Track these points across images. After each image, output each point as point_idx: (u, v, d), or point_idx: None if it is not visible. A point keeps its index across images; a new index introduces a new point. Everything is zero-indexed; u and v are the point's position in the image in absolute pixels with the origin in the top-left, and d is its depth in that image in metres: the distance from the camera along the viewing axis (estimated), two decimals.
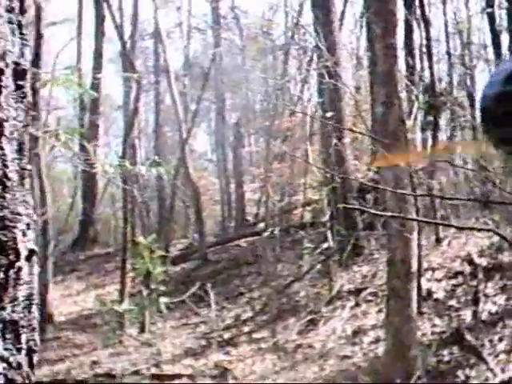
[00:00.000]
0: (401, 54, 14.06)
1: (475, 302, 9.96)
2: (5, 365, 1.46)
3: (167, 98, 25.19)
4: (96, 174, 19.31)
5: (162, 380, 10.96)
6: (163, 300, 12.86)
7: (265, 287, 13.95)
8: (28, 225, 1.53)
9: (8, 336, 1.47)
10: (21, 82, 1.55)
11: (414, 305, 8.73)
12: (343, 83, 13.05)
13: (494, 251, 10.98)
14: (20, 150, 1.54)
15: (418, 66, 16.07)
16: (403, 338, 8.56)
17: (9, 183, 1.46)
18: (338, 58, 13.84)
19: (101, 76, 22.46)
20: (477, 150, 13.14)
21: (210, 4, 25.97)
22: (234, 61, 29.60)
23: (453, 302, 10.31)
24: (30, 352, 1.54)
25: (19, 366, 1.49)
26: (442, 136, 16.49)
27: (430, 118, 14.78)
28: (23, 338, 1.52)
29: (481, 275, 10.52)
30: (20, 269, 1.49)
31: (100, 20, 23.66)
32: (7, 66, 1.48)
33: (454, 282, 10.89)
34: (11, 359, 1.47)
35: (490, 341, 8.79)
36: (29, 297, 1.53)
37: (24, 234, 1.50)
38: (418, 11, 15.30)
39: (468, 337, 9.07)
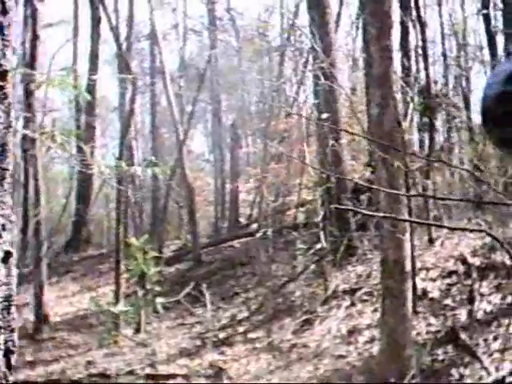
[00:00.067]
0: (396, 55, 14.09)
1: (470, 301, 9.97)
2: None
3: (163, 99, 25.22)
4: (92, 175, 19.32)
5: (157, 380, 10.95)
6: (159, 300, 12.87)
7: (260, 287, 13.97)
8: (3, 226, 1.50)
9: None
10: (1, 83, 1.53)
11: (409, 304, 8.73)
12: (339, 85, 13.07)
13: (487, 251, 10.99)
14: (2, 151, 1.51)
15: (414, 68, 16.11)
16: (398, 337, 8.56)
17: None
18: (334, 59, 13.86)
19: (96, 77, 22.47)
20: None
21: (206, 6, 26.02)
22: (230, 62, 29.68)
23: (448, 302, 10.32)
24: (8, 353, 1.53)
25: None
26: (439, 137, 16.54)
27: (426, 120, 14.81)
28: (1, 338, 1.51)
29: (475, 275, 10.53)
30: None
31: (96, 22, 23.68)
32: None
33: (448, 281, 10.89)
34: None
35: (485, 340, 8.79)
36: (7, 298, 1.52)
37: None
38: (414, 13, 15.32)
39: (463, 336, 9.08)
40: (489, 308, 9.61)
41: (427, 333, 9.66)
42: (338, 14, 19.58)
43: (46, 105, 23.48)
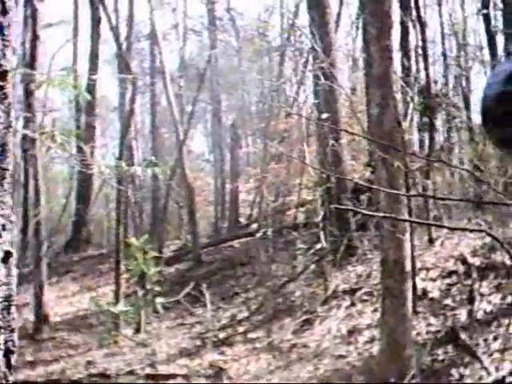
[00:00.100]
0: (396, 55, 14.09)
1: (470, 301, 9.97)
2: None
3: (163, 99, 25.22)
4: (92, 175, 19.32)
5: (157, 380, 10.95)
6: (159, 300, 12.87)
7: (260, 287, 13.97)
8: (3, 226, 1.49)
9: None
10: (1, 83, 1.53)
11: (409, 304, 8.73)
12: (339, 85, 13.07)
13: (487, 251, 10.99)
14: (2, 151, 1.51)
15: (414, 68, 16.12)
16: (398, 337, 8.56)
17: None
18: (334, 59, 13.86)
19: (96, 77, 22.47)
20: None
21: (206, 6, 26.00)
22: (230, 62, 29.67)
23: (448, 302, 10.32)
24: (8, 353, 1.53)
25: None
26: (439, 137, 16.54)
27: (426, 120, 14.82)
28: (1, 338, 1.50)
29: (475, 274, 10.53)
30: None
31: (96, 22, 23.69)
32: None
33: (448, 281, 10.90)
34: None
35: (485, 340, 8.79)
36: (7, 298, 1.51)
37: None
38: (414, 13, 15.32)
39: (463, 336, 9.08)
40: (489, 308, 9.61)
41: (427, 333, 9.66)
42: (338, 14, 19.59)
43: (46, 105, 23.49)
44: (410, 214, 9.73)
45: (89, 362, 12.11)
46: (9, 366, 1.53)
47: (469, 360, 8.53)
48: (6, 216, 1.49)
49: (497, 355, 8.37)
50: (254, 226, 18.81)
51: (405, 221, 8.61)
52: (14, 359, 1.57)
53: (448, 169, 13.50)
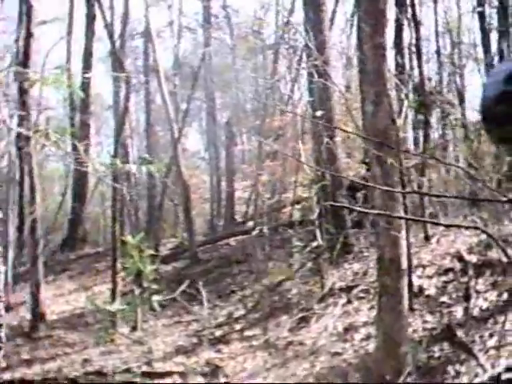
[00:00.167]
0: (391, 53, 14.12)
1: (466, 298, 9.99)
2: None
3: (158, 97, 25.19)
4: (87, 173, 19.32)
5: (153, 378, 10.96)
6: (156, 298, 12.86)
7: (256, 285, 13.99)
8: None
9: None
10: None
11: (406, 301, 8.75)
12: (332, 82, 13.09)
13: (483, 248, 11.02)
14: None
15: (408, 66, 16.14)
16: (394, 334, 8.58)
17: None
18: (328, 57, 13.88)
19: (90, 75, 22.46)
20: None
21: (202, 2, 25.94)
22: (224, 60, 29.64)
23: (444, 299, 10.35)
24: None
25: None
26: (434, 134, 16.58)
27: (421, 117, 14.85)
28: None
29: (471, 272, 10.56)
30: None
31: (91, 19, 23.66)
32: None
33: (444, 278, 10.92)
34: None
35: (481, 337, 8.82)
36: None
37: None
38: (410, 10, 15.35)
39: (459, 333, 9.11)
40: (485, 305, 9.64)
41: (423, 330, 9.69)
42: (334, 12, 19.63)
43: (41, 103, 23.47)
44: (405, 212, 9.75)
45: (85, 360, 12.14)
46: None
47: (465, 357, 8.55)
48: None
49: (493, 352, 8.40)
50: (250, 223, 18.84)
51: (399, 218, 8.62)
52: (1, 355, 1.59)
53: (443, 166, 13.52)
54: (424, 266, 11.46)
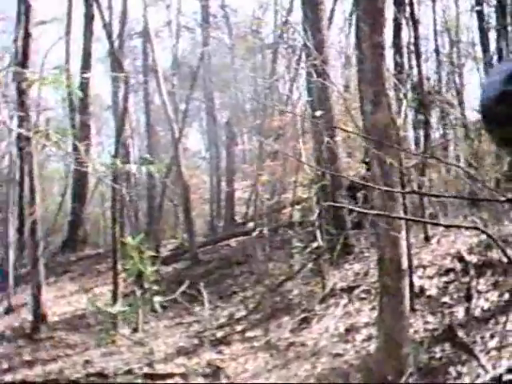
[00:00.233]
0: (389, 52, 14.12)
1: (468, 298, 10.01)
2: None
3: (157, 97, 25.17)
4: (87, 173, 19.31)
5: (155, 379, 10.96)
6: (157, 299, 12.87)
7: (257, 286, 13.99)
8: None
9: None
10: None
11: (407, 302, 8.76)
12: (331, 82, 13.08)
13: (484, 248, 11.03)
14: None
15: (407, 65, 16.14)
16: (395, 335, 8.59)
17: None
18: (326, 56, 13.86)
19: (89, 76, 22.43)
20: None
21: (200, 2, 25.90)
22: (223, 60, 29.61)
23: (445, 299, 10.35)
24: None
25: None
26: (435, 134, 16.58)
27: (421, 117, 14.86)
28: None
29: (472, 272, 10.57)
30: None
31: (89, 19, 23.63)
32: None
33: (445, 278, 10.93)
34: None
35: (482, 337, 8.83)
36: None
37: None
38: (408, 9, 15.35)
39: (460, 333, 9.12)
40: (486, 305, 9.65)
41: (424, 330, 9.70)
42: (332, 11, 19.62)
43: (40, 104, 23.47)
44: (405, 212, 9.75)
45: (87, 362, 12.14)
46: None
47: (466, 358, 8.57)
48: None
49: (494, 353, 8.41)
50: (251, 224, 18.82)
51: (399, 218, 8.63)
52: None
53: (444, 166, 13.53)
54: (425, 267, 11.47)
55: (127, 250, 12.90)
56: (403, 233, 8.81)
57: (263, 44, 25.51)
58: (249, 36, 25.34)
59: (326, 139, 12.94)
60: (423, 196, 12.17)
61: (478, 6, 16.85)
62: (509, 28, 16.16)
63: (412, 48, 15.91)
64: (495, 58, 16.28)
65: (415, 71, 15.28)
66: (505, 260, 9.72)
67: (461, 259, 11.20)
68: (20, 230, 19.49)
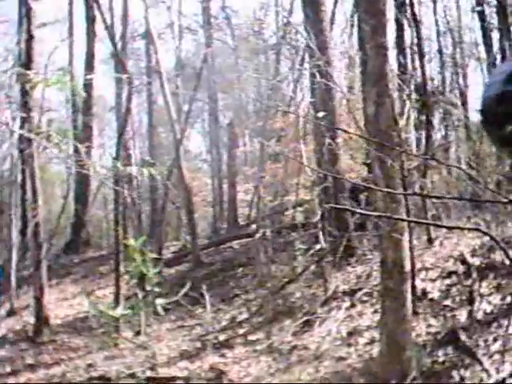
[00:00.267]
0: (392, 53, 14.09)
1: (470, 301, 9.97)
2: None
3: (160, 98, 25.15)
4: (89, 176, 19.29)
5: (158, 383, 10.95)
6: (160, 301, 12.83)
7: (260, 289, 13.96)
8: None
9: None
10: None
11: (409, 305, 8.73)
12: (334, 82, 13.05)
13: (487, 251, 10.99)
14: None
15: (410, 65, 16.12)
16: (398, 338, 8.57)
17: None
18: (329, 57, 13.85)
19: (93, 77, 22.43)
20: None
21: (201, 3, 25.89)
22: (227, 61, 29.58)
23: (448, 302, 10.32)
24: None
25: None
26: (436, 135, 16.56)
27: (423, 118, 14.82)
28: None
29: (475, 275, 10.53)
30: None
31: (91, 21, 23.64)
32: None
33: (448, 281, 10.89)
34: None
35: (485, 341, 8.80)
36: None
37: None
38: (409, 10, 15.33)
39: (463, 337, 9.08)
40: (489, 308, 9.61)
41: (427, 334, 9.66)
42: (333, 12, 19.58)
43: (43, 105, 23.46)
44: (407, 214, 9.73)
45: (89, 365, 12.11)
46: None
47: (469, 361, 8.53)
48: None
49: (497, 357, 8.38)
50: (253, 226, 18.79)
51: (401, 220, 8.59)
52: None
53: (445, 168, 13.50)
54: (427, 269, 11.44)
55: (129, 252, 12.87)
56: (406, 235, 8.78)
57: (266, 45, 25.49)
58: (251, 37, 25.32)
59: (328, 141, 12.91)
60: (425, 198, 12.14)
61: (479, 7, 16.81)
62: (511, 28, 16.12)
63: (415, 49, 15.88)
64: (499, 57, 16.25)
65: (419, 72, 15.25)
66: (507, 262, 9.68)
67: (463, 261, 11.16)
68: (23, 232, 19.50)
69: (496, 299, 9.75)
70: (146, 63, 27.00)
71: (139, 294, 13.06)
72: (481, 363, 8.33)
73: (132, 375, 11.23)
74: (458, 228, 12.40)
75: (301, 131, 15.88)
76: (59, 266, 20.17)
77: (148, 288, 12.83)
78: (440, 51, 17.90)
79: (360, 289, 12.06)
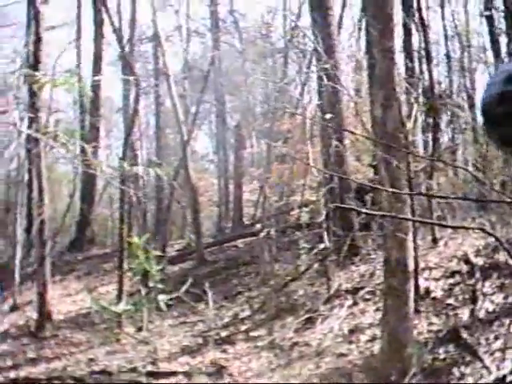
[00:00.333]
0: (400, 56, 14.12)
1: (473, 300, 9.96)
2: None
3: (167, 100, 25.21)
4: (96, 175, 19.35)
5: (158, 377, 10.95)
6: (162, 297, 12.86)
7: (263, 286, 13.97)
8: None
9: None
10: None
11: (411, 303, 8.74)
12: (342, 85, 13.09)
13: (491, 251, 10.99)
14: None
15: (418, 69, 16.14)
16: (399, 336, 8.57)
17: None
18: (337, 60, 13.89)
19: (100, 78, 22.50)
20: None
21: (209, 7, 25.96)
22: (234, 63, 29.63)
23: (450, 301, 10.32)
24: None
25: None
26: (444, 138, 16.56)
27: (431, 121, 14.84)
28: None
29: (478, 274, 10.53)
30: None
31: (99, 23, 23.73)
32: None
33: (451, 281, 10.89)
34: None
35: (486, 339, 8.79)
36: None
37: None
38: (417, 14, 15.36)
39: (464, 335, 9.07)
40: (491, 307, 9.61)
41: (429, 332, 9.65)
42: (341, 16, 19.63)
43: (51, 106, 23.54)
44: (412, 214, 9.75)
45: (91, 360, 12.12)
46: None
47: (470, 359, 8.52)
48: None
49: (498, 354, 8.37)
50: (258, 225, 18.80)
51: (406, 219, 8.61)
52: None
53: (452, 169, 13.50)
54: (431, 269, 11.43)
55: (133, 249, 12.91)
56: (410, 235, 8.80)
57: (274, 48, 25.54)
58: (259, 40, 25.38)
59: (335, 142, 12.95)
60: (430, 198, 12.14)
61: (487, 12, 16.81)
62: None
63: (423, 53, 15.90)
64: (506, 62, 16.23)
65: (426, 75, 15.27)
66: (511, 262, 9.67)
67: (467, 261, 11.16)
68: (28, 230, 19.56)
69: (499, 298, 9.75)
70: (153, 65, 27.06)
71: (142, 290, 13.12)
72: (481, 361, 8.33)
73: (133, 370, 11.25)
74: (463, 228, 12.40)
75: (308, 133, 15.89)
76: (63, 263, 20.21)
77: (151, 284, 12.89)
78: (448, 55, 17.92)
79: (363, 287, 12.07)
